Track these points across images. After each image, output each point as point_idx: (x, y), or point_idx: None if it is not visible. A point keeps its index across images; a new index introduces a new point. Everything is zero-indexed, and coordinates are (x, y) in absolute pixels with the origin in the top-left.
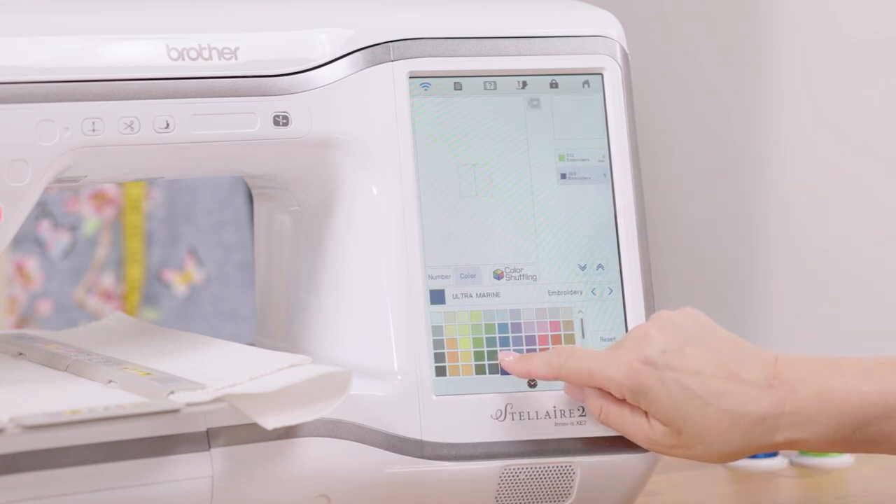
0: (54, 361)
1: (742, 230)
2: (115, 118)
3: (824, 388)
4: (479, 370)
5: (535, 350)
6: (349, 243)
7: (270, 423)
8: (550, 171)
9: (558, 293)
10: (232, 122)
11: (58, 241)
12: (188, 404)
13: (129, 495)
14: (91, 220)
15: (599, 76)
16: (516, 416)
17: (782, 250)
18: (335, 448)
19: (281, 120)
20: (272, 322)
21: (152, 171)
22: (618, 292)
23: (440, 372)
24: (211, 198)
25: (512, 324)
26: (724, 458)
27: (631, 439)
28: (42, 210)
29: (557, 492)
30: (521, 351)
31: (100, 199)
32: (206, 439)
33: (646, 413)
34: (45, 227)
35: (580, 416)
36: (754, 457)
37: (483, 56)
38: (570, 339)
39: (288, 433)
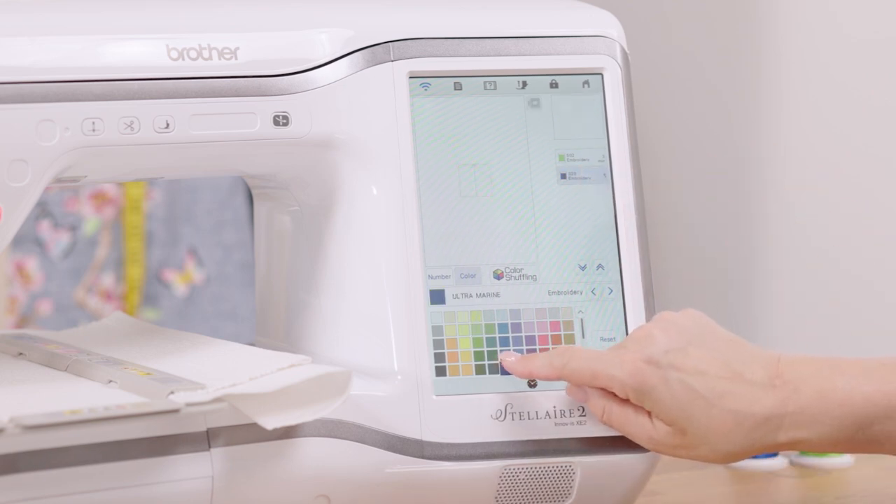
0: (54, 361)
1: (742, 230)
2: (115, 118)
3: (826, 388)
4: (479, 370)
5: (535, 350)
6: (349, 243)
7: (270, 423)
8: (550, 171)
9: (558, 293)
10: (232, 122)
11: (58, 241)
12: (188, 404)
13: (129, 495)
14: (91, 220)
15: (599, 76)
16: (516, 416)
17: (782, 250)
18: (335, 448)
19: (281, 120)
20: (272, 322)
21: (152, 171)
22: (618, 292)
23: (440, 372)
24: (211, 198)
25: (512, 324)
26: (728, 458)
27: (634, 440)
28: (42, 210)
29: (557, 492)
30: (521, 351)
31: (100, 199)
32: (206, 439)
33: (649, 413)
34: (45, 227)
35: (580, 416)
36: (754, 457)
37: (483, 56)
38: (570, 340)
39: (288, 433)
